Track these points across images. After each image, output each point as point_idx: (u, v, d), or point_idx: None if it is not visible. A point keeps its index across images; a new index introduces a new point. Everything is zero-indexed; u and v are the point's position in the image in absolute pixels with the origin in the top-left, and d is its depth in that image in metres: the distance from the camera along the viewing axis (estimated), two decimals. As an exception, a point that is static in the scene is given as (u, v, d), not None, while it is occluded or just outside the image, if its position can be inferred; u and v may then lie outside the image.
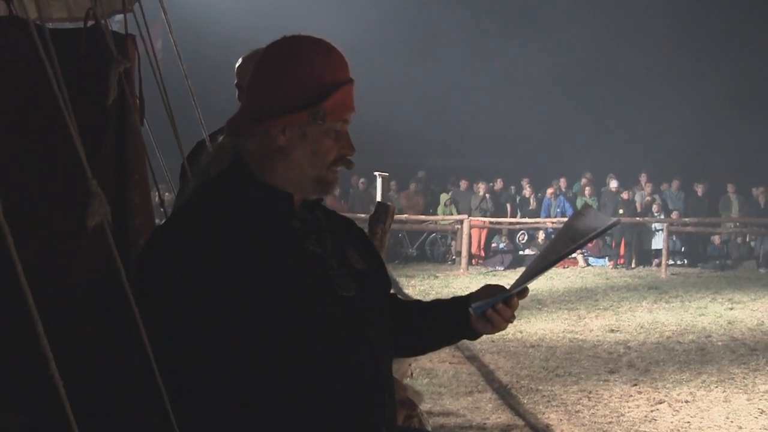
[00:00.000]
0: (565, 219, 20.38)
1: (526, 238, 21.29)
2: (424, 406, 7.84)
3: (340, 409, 2.18)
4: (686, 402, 8.29)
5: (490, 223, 21.47)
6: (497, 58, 26.99)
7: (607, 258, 21.27)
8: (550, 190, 22.29)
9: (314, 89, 2.23)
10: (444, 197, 22.23)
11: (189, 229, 2.17)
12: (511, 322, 2.44)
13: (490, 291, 2.45)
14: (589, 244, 21.00)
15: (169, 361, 2.10)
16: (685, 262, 21.65)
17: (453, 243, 21.25)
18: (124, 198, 3.59)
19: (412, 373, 7.65)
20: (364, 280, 2.34)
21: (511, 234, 21.61)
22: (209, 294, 2.08)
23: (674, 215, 21.57)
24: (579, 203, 22.16)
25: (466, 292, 2.53)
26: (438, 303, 2.60)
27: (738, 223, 22.14)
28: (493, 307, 2.39)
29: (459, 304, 2.48)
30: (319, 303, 2.20)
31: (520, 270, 15.08)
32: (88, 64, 3.63)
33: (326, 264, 2.28)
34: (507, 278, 17.05)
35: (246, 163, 2.28)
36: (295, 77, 2.23)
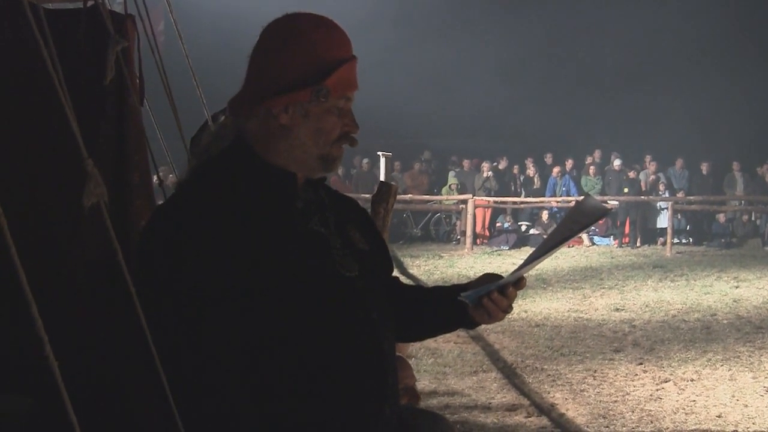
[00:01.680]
0: (570, 198, 20.38)
1: (529, 226, 21.29)
2: (429, 386, 7.86)
3: (343, 389, 2.18)
4: (692, 380, 8.28)
5: (495, 202, 21.45)
6: (502, 38, 26.88)
7: (612, 237, 21.25)
8: (556, 169, 22.21)
9: (316, 67, 2.20)
10: (451, 180, 22.13)
11: (191, 208, 2.16)
12: (508, 312, 2.39)
13: (488, 280, 2.42)
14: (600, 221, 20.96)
15: (171, 339, 2.08)
16: (690, 240, 21.63)
17: (457, 223, 21.24)
18: (124, 179, 3.58)
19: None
20: (366, 261, 2.33)
21: (516, 213, 21.60)
22: (212, 272, 2.07)
23: (679, 194, 21.53)
24: (584, 182, 22.14)
25: (471, 272, 2.51)
26: (437, 290, 2.58)
27: (743, 201, 22.09)
28: (489, 297, 2.35)
29: (457, 292, 2.46)
30: (322, 283, 2.18)
31: (525, 249, 15.08)
32: (87, 44, 3.61)
33: (329, 244, 2.26)
34: (512, 258, 17.06)
35: (248, 142, 2.26)
36: (297, 55, 2.21)
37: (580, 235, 20.26)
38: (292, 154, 2.24)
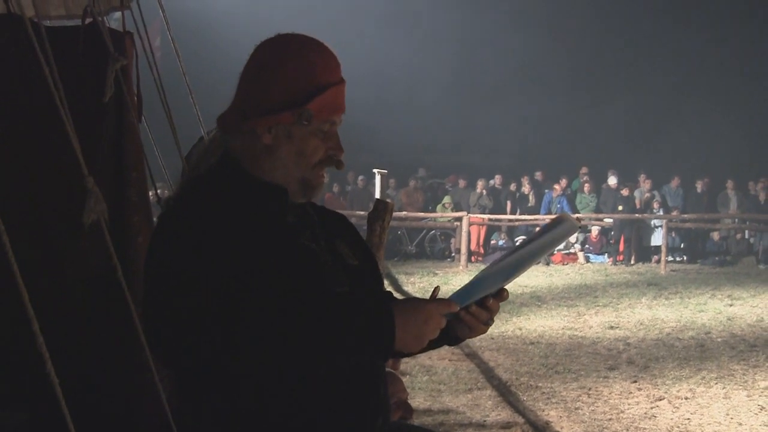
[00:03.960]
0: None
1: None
2: (424, 404, 7.85)
3: (337, 403, 2.19)
4: (686, 398, 8.28)
5: (489, 220, 21.46)
6: (497, 57, 26.99)
7: (606, 255, 21.26)
8: (557, 187, 22.10)
9: (301, 90, 2.22)
10: (446, 199, 22.08)
11: (186, 220, 2.16)
12: (489, 325, 2.34)
13: None
14: (592, 237, 21.01)
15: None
16: (685, 258, 21.64)
17: (452, 240, 21.24)
18: (122, 195, 3.59)
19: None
20: (357, 276, 2.34)
21: (511, 231, 21.61)
22: (209, 282, 2.06)
23: (674, 212, 21.57)
24: (579, 200, 22.16)
25: (460, 287, 2.45)
26: None
27: (737, 219, 22.13)
28: (467, 309, 2.30)
29: None
30: (312, 298, 2.18)
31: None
32: (85, 61, 3.63)
33: (320, 260, 2.27)
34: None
35: (235, 158, 2.28)
36: (283, 77, 2.23)
37: (573, 251, 20.18)
38: (275, 174, 2.26)
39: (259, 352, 2.03)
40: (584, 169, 23.13)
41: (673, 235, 21.28)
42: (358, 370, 2.23)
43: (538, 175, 23.40)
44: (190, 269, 2.06)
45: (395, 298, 2.51)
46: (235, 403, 2.14)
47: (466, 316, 2.31)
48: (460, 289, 2.31)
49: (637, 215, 21.29)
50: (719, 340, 11.26)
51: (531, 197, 22.52)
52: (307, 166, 2.26)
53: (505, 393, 8.45)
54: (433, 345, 2.40)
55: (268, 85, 2.24)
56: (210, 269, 2.06)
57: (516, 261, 2.32)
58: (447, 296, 2.29)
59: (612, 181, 22.09)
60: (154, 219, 3.94)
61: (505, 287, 2.34)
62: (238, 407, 2.14)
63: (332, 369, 2.16)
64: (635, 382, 8.93)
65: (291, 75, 2.23)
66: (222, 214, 2.16)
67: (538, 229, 2.53)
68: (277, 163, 2.25)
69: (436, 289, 2.30)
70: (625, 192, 21.69)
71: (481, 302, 2.31)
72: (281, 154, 2.25)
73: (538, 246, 2.33)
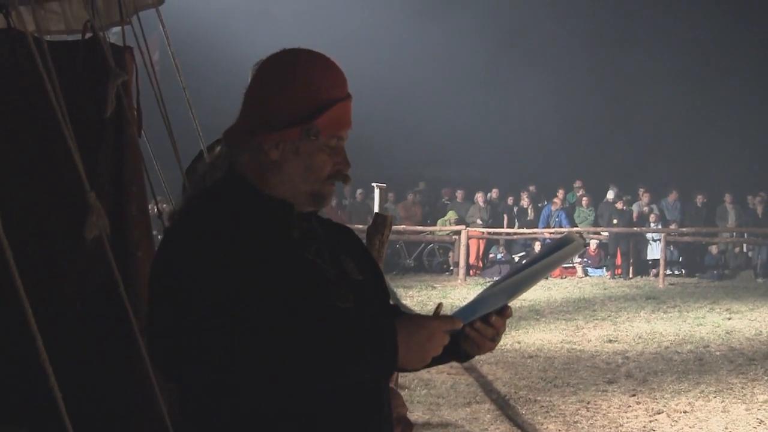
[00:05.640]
0: (563, 229, 20.28)
1: (523, 257, 21.22)
2: (422, 417, 7.84)
3: (340, 419, 2.19)
4: (685, 412, 8.28)
5: (488, 233, 21.44)
6: (496, 67, 27.04)
7: (605, 268, 21.24)
8: (556, 200, 22.03)
9: (308, 105, 2.22)
10: (452, 215, 21.99)
11: (192, 234, 2.16)
12: (496, 342, 2.36)
13: None
14: (591, 251, 20.98)
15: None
16: (683, 272, 21.63)
17: (451, 253, 21.22)
18: (122, 210, 3.59)
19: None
20: (362, 291, 2.34)
21: (509, 245, 21.59)
22: (214, 298, 2.07)
23: (672, 225, 21.56)
24: (577, 213, 22.13)
25: (464, 303, 2.47)
26: None
27: (735, 233, 22.13)
28: (472, 326, 2.31)
29: None
30: (317, 314, 2.19)
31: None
32: (86, 76, 3.64)
33: (325, 275, 2.27)
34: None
35: (242, 174, 2.28)
36: (290, 93, 2.23)
37: (572, 264, 20.17)
38: (283, 188, 2.26)
39: (260, 367, 2.04)
40: (578, 182, 23.07)
41: (672, 248, 21.27)
42: (361, 387, 2.22)
43: (532, 188, 23.35)
44: (195, 284, 2.07)
45: (401, 313, 2.50)
46: (237, 417, 2.14)
47: (471, 332, 2.32)
48: (463, 306, 2.33)
49: (635, 228, 21.27)
50: (718, 353, 11.26)
51: (530, 211, 22.48)
52: (315, 180, 2.26)
53: (504, 407, 8.44)
54: (440, 361, 2.39)
55: (275, 101, 2.24)
56: (214, 284, 2.07)
57: (520, 279, 2.34)
58: (446, 313, 2.30)
59: (611, 195, 22.06)
60: (154, 233, 3.95)
61: (509, 304, 2.35)
62: (240, 422, 2.14)
63: (335, 386, 2.17)
64: (634, 395, 8.93)
65: (297, 91, 2.23)
66: (227, 230, 2.16)
67: (540, 246, 2.54)
68: (285, 178, 2.25)
69: (439, 306, 2.30)
70: (619, 205, 21.58)
71: (486, 319, 2.32)
72: (289, 170, 2.25)
73: (543, 265, 2.34)
